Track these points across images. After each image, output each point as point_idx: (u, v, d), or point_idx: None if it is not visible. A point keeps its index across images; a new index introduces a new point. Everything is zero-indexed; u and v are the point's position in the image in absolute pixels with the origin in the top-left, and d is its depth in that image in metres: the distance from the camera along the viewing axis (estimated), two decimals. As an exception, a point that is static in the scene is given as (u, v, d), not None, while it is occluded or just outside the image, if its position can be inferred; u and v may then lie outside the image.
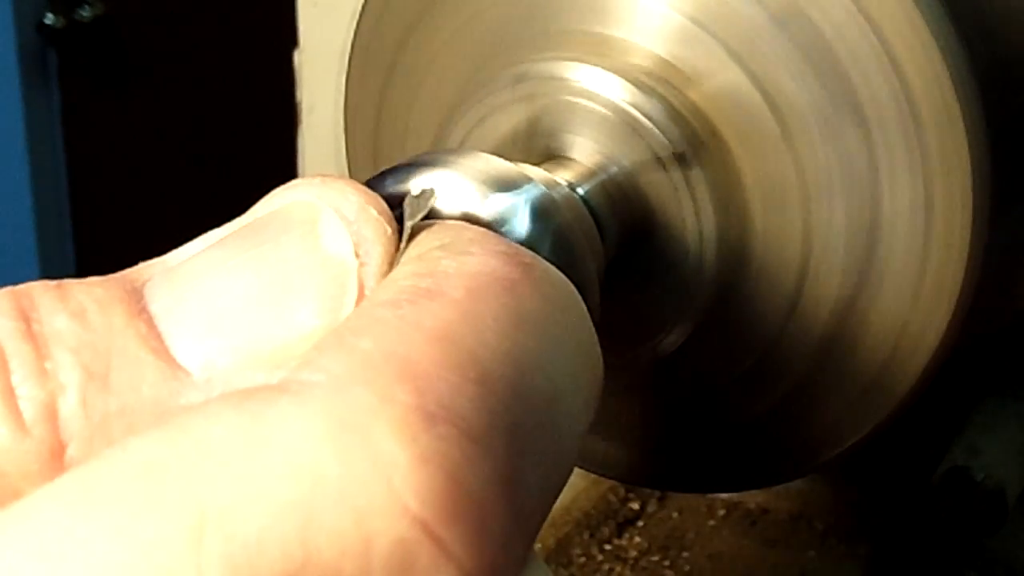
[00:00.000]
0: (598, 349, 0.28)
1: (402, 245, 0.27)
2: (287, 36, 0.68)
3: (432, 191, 0.29)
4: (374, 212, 0.27)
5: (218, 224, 0.28)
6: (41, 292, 0.25)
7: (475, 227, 0.28)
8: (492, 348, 0.24)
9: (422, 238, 0.27)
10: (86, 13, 1.82)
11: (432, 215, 0.29)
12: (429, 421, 0.22)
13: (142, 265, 0.27)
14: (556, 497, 0.25)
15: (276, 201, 0.27)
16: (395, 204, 0.28)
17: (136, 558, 0.20)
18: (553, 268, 0.27)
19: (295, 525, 0.21)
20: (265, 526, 0.21)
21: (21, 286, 0.25)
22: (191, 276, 0.26)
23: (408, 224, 0.28)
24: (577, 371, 0.26)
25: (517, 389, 0.24)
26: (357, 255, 0.26)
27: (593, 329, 0.28)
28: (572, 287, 0.28)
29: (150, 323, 0.25)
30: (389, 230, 0.27)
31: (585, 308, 0.28)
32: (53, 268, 1.84)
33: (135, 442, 0.22)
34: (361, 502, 0.21)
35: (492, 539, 0.22)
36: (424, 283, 0.25)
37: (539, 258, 0.27)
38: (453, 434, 0.22)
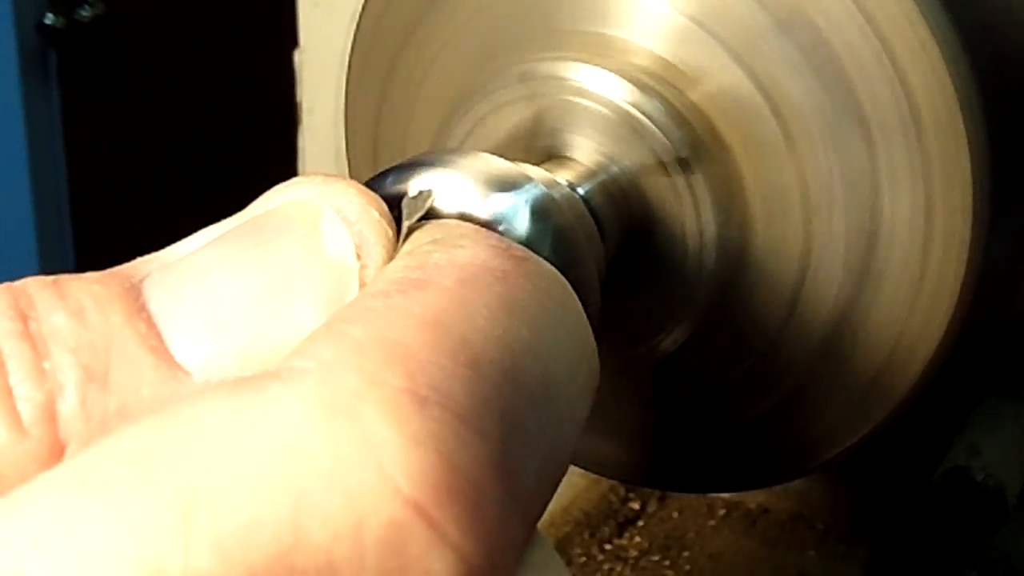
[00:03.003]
0: (593, 342, 0.28)
1: (399, 245, 0.27)
2: (287, 36, 0.68)
3: (430, 192, 0.29)
4: (375, 214, 0.27)
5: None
6: (38, 289, 0.25)
7: (467, 224, 0.29)
8: (484, 333, 0.24)
9: (416, 236, 0.27)
10: (86, 13, 1.81)
11: (431, 215, 0.29)
12: (420, 404, 0.22)
13: (139, 260, 0.26)
14: (555, 485, 0.25)
15: (277, 198, 0.27)
16: (394, 204, 0.28)
17: (126, 541, 0.20)
18: (546, 263, 0.27)
19: (285, 508, 0.21)
20: (255, 509, 0.20)
21: (17, 282, 0.25)
22: (190, 274, 0.26)
23: (405, 224, 0.28)
24: (572, 361, 0.26)
25: (510, 374, 0.24)
26: (359, 257, 0.26)
27: (588, 323, 0.28)
28: (565, 282, 0.28)
29: (149, 322, 0.25)
30: (390, 232, 0.27)
31: (579, 302, 0.28)
32: (53, 267, 1.83)
33: (129, 429, 0.22)
34: (352, 484, 0.21)
35: (489, 521, 0.22)
36: (415, 274, 0.25)
37: (531, 253, 0.27)
38: (445, 416, 0.22)
